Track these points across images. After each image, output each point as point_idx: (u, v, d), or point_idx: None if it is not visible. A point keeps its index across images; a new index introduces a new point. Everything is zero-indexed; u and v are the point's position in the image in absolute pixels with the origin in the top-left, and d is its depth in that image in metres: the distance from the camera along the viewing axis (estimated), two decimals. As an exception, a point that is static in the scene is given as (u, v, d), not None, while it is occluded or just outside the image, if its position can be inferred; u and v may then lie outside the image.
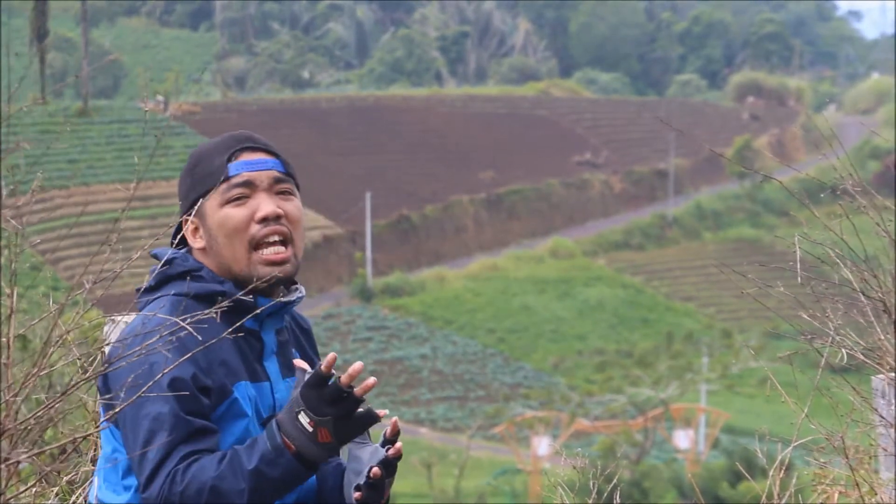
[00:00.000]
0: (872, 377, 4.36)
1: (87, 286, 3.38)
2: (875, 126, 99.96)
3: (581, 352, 73.87)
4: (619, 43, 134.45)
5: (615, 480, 4.36)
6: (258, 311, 3.29)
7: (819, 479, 4.40)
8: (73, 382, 3.24)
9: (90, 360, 3.55)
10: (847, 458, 4.22)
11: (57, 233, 59.56)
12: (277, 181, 3.38)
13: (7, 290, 3.41)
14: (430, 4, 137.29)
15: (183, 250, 3.38)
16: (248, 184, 3.36)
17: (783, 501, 4.23)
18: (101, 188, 75.23)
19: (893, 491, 4.23)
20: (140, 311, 3.35)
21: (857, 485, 4.26)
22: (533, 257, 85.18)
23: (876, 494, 4.27)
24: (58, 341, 3.37)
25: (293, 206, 3.40)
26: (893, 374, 4.27)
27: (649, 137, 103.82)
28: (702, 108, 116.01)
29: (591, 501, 4.32)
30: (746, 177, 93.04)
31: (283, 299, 3.34)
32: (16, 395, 3.16)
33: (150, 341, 3.16)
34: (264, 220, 3.32)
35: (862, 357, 4.28)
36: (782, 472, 4.21)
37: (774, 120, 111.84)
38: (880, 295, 4.28)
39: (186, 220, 3.37)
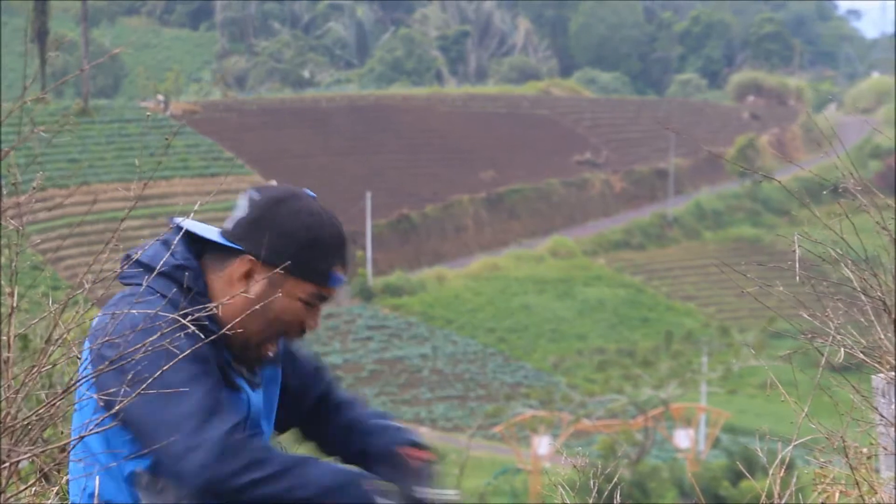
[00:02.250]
0: (873, 376, 4.36)
1: (87, 286, 3.38)
2: (875, 125, 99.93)
3: (581, 351, 73.88)
4: (620, 42, 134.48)
5: (616, 480, 4.36)
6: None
7: (819, 478, 4.41)
8: (73, 381, 3.24)
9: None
10: (847, 457, 4.23)
11: (58, 232, 59.63)
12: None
13: (8, 290, 3.41)
14: (431, 4, 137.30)
15: (194, 264, 3.32)
16: (324, 298, 3.38)
17: (784, 501, 4.23)
18: (101, 187, 75.27)
19: (894, 490, 4.23)
20: (124, 279, 3.33)
21: (858, 484, 4.27)
22: (533, 257, 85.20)
23: (876, 493, 4.27)
24: (58, 340, 3.37)
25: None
26: (893, 374, 4.27)
27: (649, 137, 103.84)
28: (702, 108, 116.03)
29: (591, 501, 4.32)
30: (747, 176, 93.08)
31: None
32: (16, 393, 3.17)
33: (153, 338, 3.14)
34: (303, 331, 3.38)
35: (862, 356, 4.28)
36: (783, 471, 4.21)
37: (774, 119, 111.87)
38: (881, 294, 4.28)
39: (249, 258, 3.30)
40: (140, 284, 3.27)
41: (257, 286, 3.30)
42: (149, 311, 3.18)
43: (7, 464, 3.04)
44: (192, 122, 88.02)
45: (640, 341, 74.39)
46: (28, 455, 3.03)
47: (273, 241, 3.29)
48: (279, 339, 3.35)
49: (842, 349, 4.25)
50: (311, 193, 3.41)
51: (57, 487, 3.87)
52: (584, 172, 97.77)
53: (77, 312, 3.45)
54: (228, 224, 3.35)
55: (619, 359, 71.56)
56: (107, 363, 3.16)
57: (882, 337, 4.24)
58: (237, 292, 3.30)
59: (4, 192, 3.42)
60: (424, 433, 61.16)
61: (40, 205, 3.64)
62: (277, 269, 3.28)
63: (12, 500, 3.44)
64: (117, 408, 3.12)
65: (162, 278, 3.29)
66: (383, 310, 75.51)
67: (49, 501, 3.84)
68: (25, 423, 3.22)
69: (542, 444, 49.08)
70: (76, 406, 3.25)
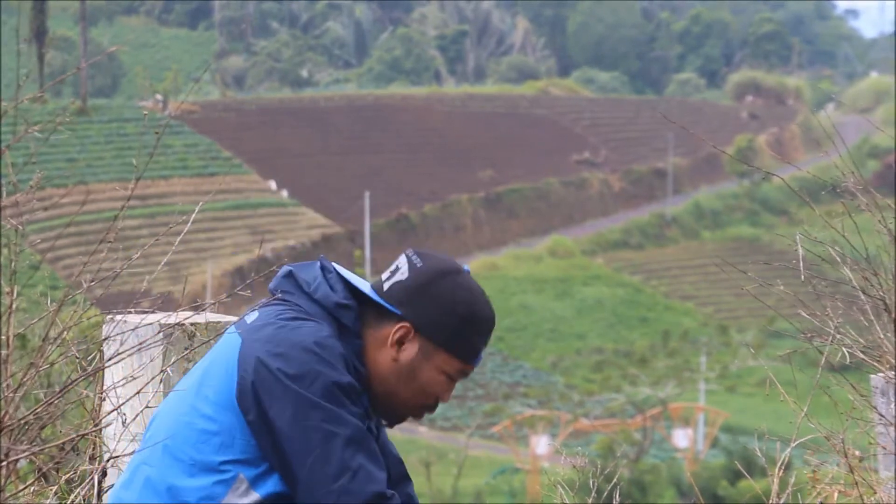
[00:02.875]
0: (872, 375, 4.36)
1: (86, 285, 3.37)
2: (875, 125, 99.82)
3: (580, 351, 73.91)
4: (618, 42, 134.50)
5: (615, 479, 4.36)
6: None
7: (814, 480, 4.40)
8: (73, 379, 3.24)
9: (89, 357, 3.55)
10: (846, 456, 4.23)
11: (56, 232, 59.66)
12: None
13: (7, 289, 3.41)
14: (429, 3, 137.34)
15: (354, 305, 3.34)
16: (465, 374, 3.42)
17: (782, 500, 4.23)
18: (99, 187, 75.25)
19: (893, 490, 4.23)
20: (275, 290, 3.36)
21: (857, 483, 4.26)
22: (532, 256, 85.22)
23: (875, 493, 4.27)
24: (56, 339, 3.36)
25: None
26: (893, 373, 4.27)
27: (648, 136, 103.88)
28: (700, 107, 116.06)
29: (590, 500, 4.32)
30: (745, 176, 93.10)
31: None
32: (14, 392, 3.16)
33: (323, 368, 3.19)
34: (437, 403, 3.42)
35: (861, 355, 4.28)
36: (781, 471, 4.21)
37: (773, 119, 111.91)
38: (880, 293, 4.28)
39: (408, 329, 3.34)
40: (292, 303, 3.31)
41: (408, 353, 3.35)
42: (321, 333, 3.22)
43: (5, 462, 3.04)
44: (191, 122, 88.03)
45: (638, 341, 74.42)
46: (27, 454, 3.02)
47: (433, 313, 3.33)
48: (419, 410, 3.40)
49: (841, 349, 4.25)
50: (467, 268, 3.44)
51: (56, 487, 3.86)
52: (582, 172, 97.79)
53: (75, 312, 3.44)
54: (386, 284, 3.38)
55: (617, 358, 71.60)
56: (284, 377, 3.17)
57: (881, 336, 4.24)
58: (389, 356, 3.35)
59: (4, 192, 3.42)
60: (423, 433, 61.26)
61: (38, 204, 3.64)
62: (432, 342, 3.34)
63: (10, 499, 3.44)
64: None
65: (319, 308, 3.32)
66: (382, 309, 75.42)
67: (48, 501, 3.83)
68: (23, 422, 3.22)
69: (541, 444, 49.10)
70: (193, 390, 3.24)
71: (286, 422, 3.15)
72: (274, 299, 3.36)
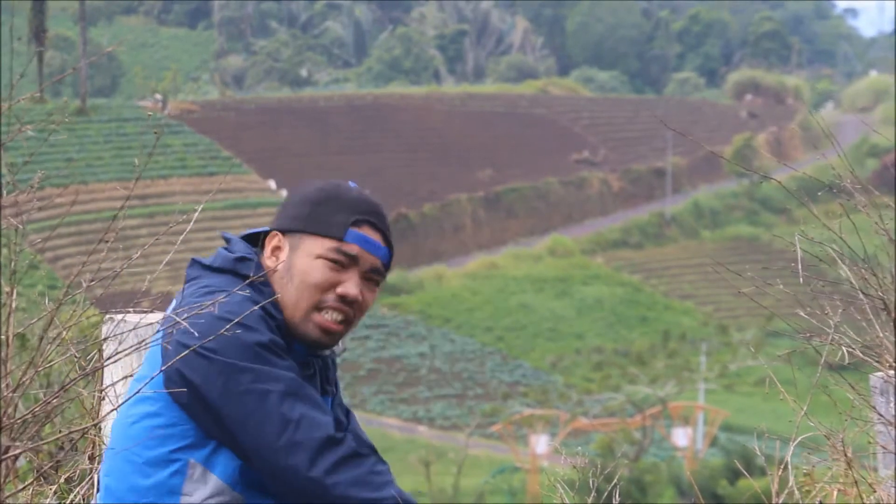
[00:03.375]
0: (871, 375, 4.37)
1: (85, 284, 3.37)
2: (873, 124, 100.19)
3: (579, 350, 73.93)
4: (617, 41, 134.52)
5: (615, 479, 4.37)
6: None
7: (814, 479, 4.41)
8: (72, 378, 3.24)
9: (88, 356, 3.55)
10: (845, 455, 4.23)
11: (56, 231, 59.57)
12: (374, 270, 3.34)
13: (7, 289, 3.41)
14: (428, 3, 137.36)
15: (254, 255, 3.34)
16: (353, 258, 3.30)
17: (782, 499, 4.24)
18: (99, 186, 75.27)
19: (892, 488, 4.23)
20: (188, 282, 3.35)
21: (856, 482, 4.27)
22: (531, 256, 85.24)
23: (874, 492, 4.28)
24: (55, 339, 3.36)
25: (371, 297, 3.37)
26: (892, 372, 4.28)
27: (647, 136, 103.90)
28: (700, 107, 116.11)
29: (590, 500, 4.32)
30: (744, 175, 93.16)
31: (320, 353, 3.36)
32: (14, 391, 3.17)
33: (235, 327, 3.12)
34: (342, 298, 3.29)
35: (861, 355, 4.28)
36: (781, 470, 4.21)
37: (772, 118, 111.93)
38: (879, 293, 4.28)
39: (276, 235, 3.33)
40: (198, 284, 3.29)
41: (282, 255, 3.30)
42: (231, 301, 3.17)
43: (5, 459, 3.04)
44: (190, 122, 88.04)
45: (637, 340, 74.43)
46: (26, 450, 3.02)
47: (291, 210, 3.34)
48: (321, 307, 3.27)
49: (840, 348, 4.25)
50: (352, 184, 3.43)
51: (55, 486, 3.86)
52: (581, 171, 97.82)
53: (74, 311, 3.45)
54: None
55: (616, 358, 71.61)
56: (188, 351, 3.11)
57: (881, 336, 4.24)
58: (267, 263, 3.31)
59: (4, 191, 3.42)
60: (423, 432, 61.29)
61: (38, 203, 3.64)
62: (295, 233, 3.30)
63: (10, 499, 3.44)
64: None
65: (224, 275, 3.30)
66: (381, 309, 75.54)
67: (47, 500, 3.84)
68: (22, 420, 3.22)
69: (541, 443, 49.12)
70: (132, 399, 3.23)
71: (218, 394, 3.11)
72: (182, 288, 3.34)
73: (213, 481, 3.18)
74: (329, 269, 3.28)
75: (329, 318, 3.27)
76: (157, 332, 3.28)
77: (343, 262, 3.29)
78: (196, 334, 3.11)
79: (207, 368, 3.12)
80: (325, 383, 3.41)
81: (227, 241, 3.41)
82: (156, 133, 3.78)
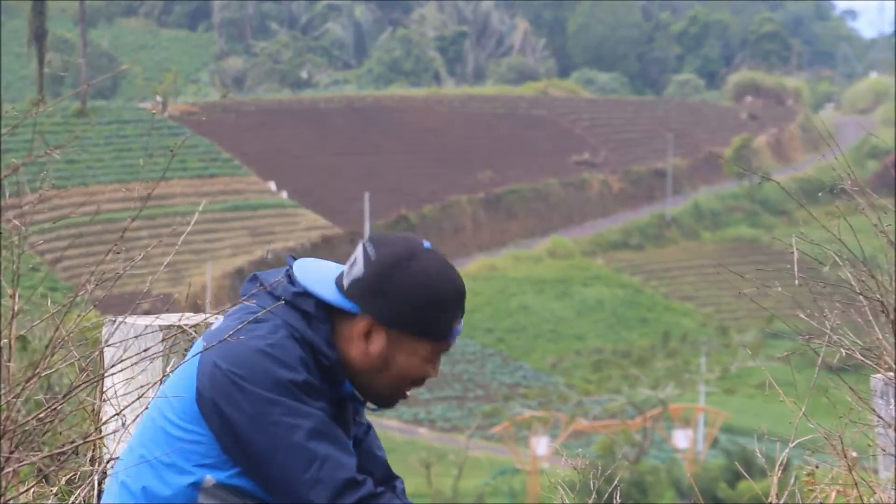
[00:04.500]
0: (871, 377, 4.37)
1: (89, 288, 3.38)
2: (874, 125, 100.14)
3: (579, 351, 73.91)
4: (617, 43, 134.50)
5: (616, 481, 4.37)
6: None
7: (814, 481, 4.41)
8: (74, 384, 3.24)
9: (90, 361, 3.56)
10: (845, 457, 4.23)
11: (56, 234, 59.63)
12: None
13: (9, 292, 3.41)
14: (429, 4, 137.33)
15: (316, 294, 3.34)
16: (446, 351, 3.42)
17: (782, 501, 4.24)
18: (99, 188, 75.27)
19: (892, 491, 4.24)
20: (242, 295, 3.39)
21: (856, 484, 4.27)
22: (531, 257, 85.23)
23: (874, 494, 4.28)
24: (58, 343, 3.37)
25: None
26: (892, 374, 4.28)
27: (647, 137, 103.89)
28: (700, 108, 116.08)
29: (590, 502, 4.33)
30: (745, 176, 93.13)
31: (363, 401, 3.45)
32: (17, 397, 3.17)
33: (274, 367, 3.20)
34: (423, 381, 3.43)
35: (860, 357, 4.29)
36: (781, 471, 4.22)
37: (772, 119, 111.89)
38: (878, 295, 4.28)
39: (367, 319, 3.32)
40: (255, 305, 3.33)
41: (377, 345, 3.34)
42: (275, 335, 3.23)
43: (7, 471, 3.05)
44: (190, 123, 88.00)
45: (638, 341, 74.41)
46: (33, 461, 3.03)
47: (392, 305, 3.32)
48: (405, 391, 3.42)
49: (840, 350, 4.26)
50: (428, 245, 3.40)
51: (56, 488, 3.87)
52: (582, 173, 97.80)
53: (78, 315, 3.45)
54: (346, 280, 3.37)
55: (617, 359, 71.58)
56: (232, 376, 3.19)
57: (880, 338, 4.24)
58: (359, 350, 3.35)
59: (7, 193, 3.43)
60: (423, 434, 61.27)
61: (42, 205, 3.65)
62: (398, 331, 3.33)
63: (11, 501, 3.45)
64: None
65: (282, 305, 3.32)
66: (382, 310, 75.44)
67: (49, 502, 3.84)
68: (25, 426, 3.23)
69: (541, 445, 49.11)
70: (163, 400, 3.27)
71: (247, 422, 3.17)
72: (239, 303, 3.38)
73: (225, 497, 3.23)
74: (426, 364, 3.40)
75: (408, 393, 3.45)
76: (199, 341, 3.33)
77: (438, 358, 3.41)
78: (234, 360, 3.19)
79: (241, 397, 3.18)
80: (357, 414, 3.50)
81: (289, 270, 3.42)
82: (171, 151, 3.79)
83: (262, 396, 3.17)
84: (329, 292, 3.36)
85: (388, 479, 3.59)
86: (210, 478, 3.22)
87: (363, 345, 3.34)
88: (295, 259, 3.43)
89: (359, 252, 3.37)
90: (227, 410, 3.19)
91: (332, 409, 3.32)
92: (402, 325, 3.32)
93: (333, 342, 3.33)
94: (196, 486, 3.22)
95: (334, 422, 3.33)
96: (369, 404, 3.44)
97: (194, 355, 3.31)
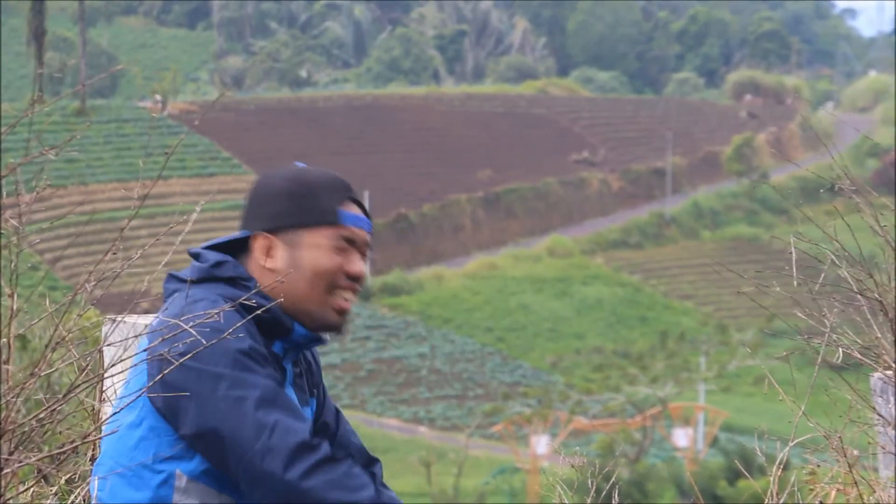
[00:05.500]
0: (871, 375, 4.37)
1: (89, 287, 3.39)
2: (873, 123, 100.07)
3: (579, 350, 73.90)
4: (617, 41, 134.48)
5: (614, 479, 4.37)
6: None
7: (815, 480, 4.41)
8: (74, 384, 3.24)
9: (89, 360, 3.56)
10: (845, 456, 4.23)
11: (55, 233, 59.57)
12: (366, 244, 3.41)
13: (8, 291, 3.41)
14: (428, 3, 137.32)
15: (229, 258, 3.36)
16: (351, 240, 3.37)
17: (782, 500, 4.24)
18: (98, 187, 75.25)
19: (892, 489, 4.24)
20: (167, 297, 3.37)
21: (856, 483, 4.27)
22: (531, 256, 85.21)
23: (874, 492, 4.28)
24: (58, 342, 3.37)
25: (366, 269, 3.46)
26: (891, 373, 4.28)
27: (647, 136, 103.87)
28: (699, 107, 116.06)
29: (590, 500, 4.33)
30: (744, 175, 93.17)
31: (320, 337, 3.38)
32: (16, 396, 3.17)
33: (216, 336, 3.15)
34: (351, 277, 3.36)
35: (859, 355, 4.29)
36: (780, 470, 4.22)
37: (772, 118, 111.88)
38: (877, 295, 4.28)
39: (260, 234, 3.35)
40: (179, 296, 3.31)
41: (279, 255, 3.34)
42: (211, 309, 3.19)
43: (6, 471, 3.05)
44: (189, 122, 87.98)
45: (637, 340, 74.40)
46: (33, 461, 3.03)
47: (269, 209, 3.36)
48: (334, 291, 3.35)
49: (839, 348, 4.26)
50: (299, 164, 3.47)
51: (55, 488, 3.87)
52: (581, 171, 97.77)
53: (77, 315, 3.45)
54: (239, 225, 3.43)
55: (616, 358, 71.58)
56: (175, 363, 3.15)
57: (879, 336, 4.24)
58: (267, 269, 3.33)
59: (4, 192, 3.43)
60: (423, 433, 61.25)
61: (41, 204, 3.65)
62: (288, 231, 3.33)
63: (11, 500, 3.44)
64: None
65: (203, 284, 3.33)
66: (381, 309, 75.53)
67: (48, 501, 3.84)
68: (24, 427, 3.23)
69: (541, 444, 49.10)
70: (120, 406, 3.26)
71: (194, 402, 3.14)
72: (164, 304, 3.37)
73: (202, 489, 3.20)
74: (335, 254, 3.33)
75: (342, 298, 3.35)
76: (143, 345, 3.30)
77: (345, 246, 3.35)
78: (175, 343, 3.15)
79: (186, 377, 3.15)
80: (311, 386, 3.45)
81: (195, 255, 3.43)
82: (166, 152, 3.81)
83: (207, 372, 3.14)
84: (218, 240, 3.40)
85: (368, 465, 3.56)
86: (180, 472, 3.19)
87: (269, 263, 3.34)
88: (192, 251, 3.42)
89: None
90: (175, 391, 3.16)
91: (284, 372, 3.29)
92: (286, 222, 3.33)
93: (266, 296, 3.28)
94: (168, 483, 3.19)
95: (291, 384, 3.32)
96: (326, 337, 3.38)
97: (138, 351, 3.28)
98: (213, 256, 3.36)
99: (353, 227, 3.36)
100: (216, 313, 3.19)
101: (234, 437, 3.13)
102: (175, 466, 3.19)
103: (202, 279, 3.33)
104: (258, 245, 3.35)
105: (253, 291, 3.24)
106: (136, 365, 3.28)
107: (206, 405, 3.14)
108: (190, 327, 3.15)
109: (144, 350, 3.25)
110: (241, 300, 3.22)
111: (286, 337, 3.32)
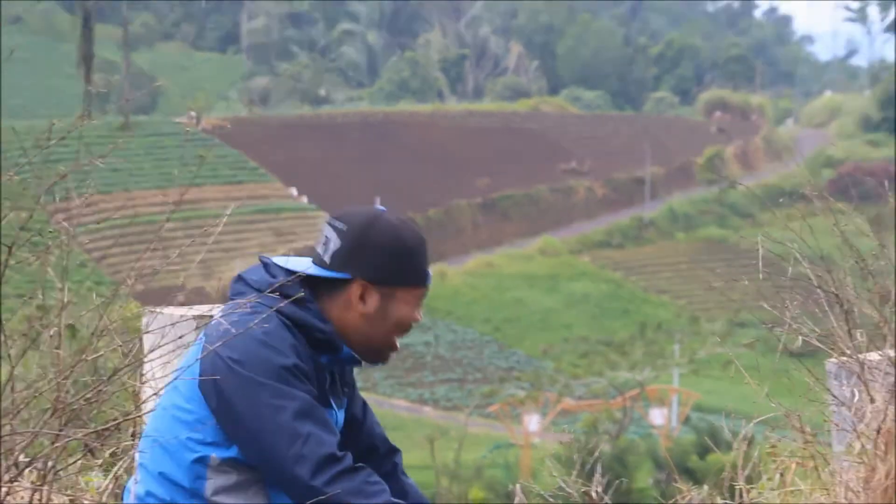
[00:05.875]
0: (827, 361, 4.37)
1: (131, 283, 3.40)
2: (829, 138, 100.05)
3: (567, 339, 73.87)
4: (601, 64, 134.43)
5: (597, 454, 4.37)
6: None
7: (776, 453, 4.41)
8: (117, 368, 3.25)
9: (131, 347, 3.56)
10: (803, 433, 4.24)
11: (101, 234, 59.53)
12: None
13: (59, 285, 3.42)
14: (433, 30, 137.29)
15: (297, 278, 3.38)
16: (425, 295, 3.50)
17: (746, 472, 4.24)
18: (140, 193, 75.26)
19: (845, 462, 4.24)
20: (232, 296, 3.40)
21: (813, 457, 4.27)
22: (524, 255, 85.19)
23: (829, 465, 4.28)
24: (103, 331, 3.38)
25: None
26: (845, 358, 4.28)
27: (628, 148, 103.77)
28: (674, 122, 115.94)
29: (575, 472, 4.32)
30: (714, 183, 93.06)
31: (360, 360, 3.48)
32: (66, 379, 3.18)
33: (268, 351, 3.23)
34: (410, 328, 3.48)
35: (817, 343, 4.29)
36: (745, 445, 4.22)
37: (739, 132, 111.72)
38: (833, 289, 4.28)
39: (358, 281, 3.39)
40: (244, 301, 3.35)
41: (372, 303, 3.39)
42: (267, 325, 3.25)
43: (60, 443, 3.05)
44: (221, 136, 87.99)
45: (619, 330, 74.35)
46: (83, 435, 3.03)
47: (375, 262, 3.39)
48: (397, 340, 3.47)
49: (799, 337, 4.26)
50: (382, 208, 3.48)
51: (101, 460, 3.87)
52: (569, 180, 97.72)
53: (120, 307, 3.46)
54: (326, 256, 3.41)
55: (600, 346, 71.55)
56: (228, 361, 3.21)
57: (835, 326, 4.24)
58: (358, 311, 3.39)
59: (56, 198, 3.44)
60: (428, 412, 61.18)
61: (86, 209, 3.65)
62: (387, 285, 3.40)
63: (61, 472, 3.45)
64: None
65: (268, 296, 3.35)
66: (391, 302, 75.32)
67: (94, 472, 3.85)
68: (73, 406, 3.24)
69: (532, 422, 49.08)
70: (171, 389, 3.29)
71: (240, 403, 3.18)
72: (230, 301, 3.40)
73: (232, 467, 3.23)
74: (414, 310, 3.46)
75: (397, 340, 3.48)
76: (202, 335, 3.33)
77: (421, 301, 3.49)
78: (232, 348, 3.22)
79: (236, 381, 3.20)
80: (343, 385, 3.49)
81: (266, 265, 3.44)
82: (199, 155, 3.82)
83: (254, 380, 3.18)
84: (315, 270, 3.39)
85: (390, 452, 3.59)
86: (215, 456, 3.22)
87: (361, 306, 3.38)
88: (264, 260, 3.44)
89: (327, 230, 3.41)
90: (224, 391, 3.20)
91: (323, 380, 3.34)
92: (389, 279, 3.38)
93: (324, 317, 3.34)
94: (203, 462, 3.22)
95: (329, 389, 3.36)
96: (366, 364, 3.47)
97: (196, 346, 3.32)
98: (280, 278, 3.37)
99: (427, 285, 3.49)
100: (266, 325, 3.24)
101: (271, 441, 3.18)
102: (212, 451, 3.23)
103: (269, 291, 3.35)
104: (355, 289, 3.40)
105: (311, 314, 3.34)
106: (189, 366, 3.30)
107: (250, 409, 3.18)
108: (243, 335, 3.21)
109: (200, 345, 3.29)
110: (297, 319, 3.29)
111: (334, 355, 3.38)
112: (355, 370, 3.54)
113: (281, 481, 3.18)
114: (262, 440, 3.16)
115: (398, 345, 3.46)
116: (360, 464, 3.27)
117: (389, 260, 3.37)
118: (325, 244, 3.39)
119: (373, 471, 3.30)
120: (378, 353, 3.43)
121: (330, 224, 3.40)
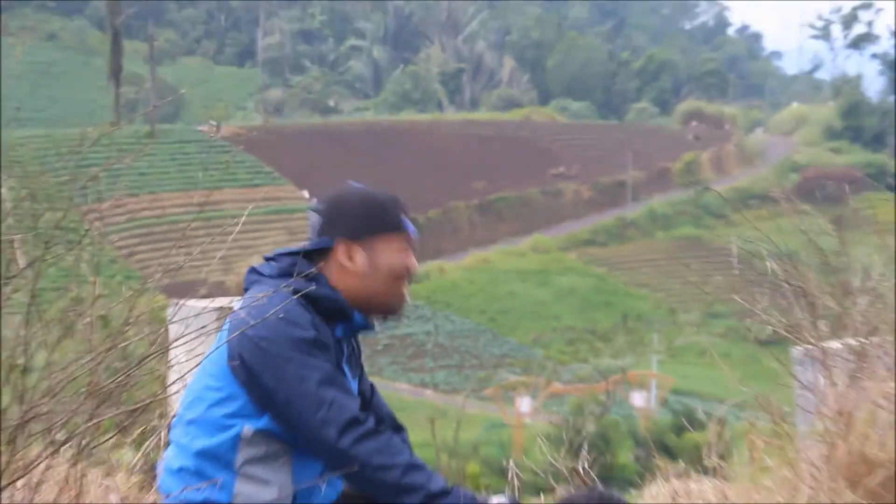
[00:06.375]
0: (792, 349, 4.38)
1: (158, 277, 3.41)
2: (795, 145, 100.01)
3: (556, 329, 73.87)
4: (588, 77, 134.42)
5: (583, 432, 4.38)
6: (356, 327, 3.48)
7: (754, 429, 4.42)
8: (145, 355, 3.26)
9: (157, 336, 3.57)
10: (771, 414, 4.25)
11: (130, 232, 59.47)
12: (416, 246, 3.53)
13: (92, 279, 3.43)
14: (434, 46, 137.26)
15: (301, 259, 3.41)
16: (409, 242, 3.46)
17: (718, 450, 4.25)
18: (165, 195, 75.21)
19: (808, 441, 4.25)
20: (248, 287, 3.42)
21: (779, 436, 4.28)
22: (517, 252, 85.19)
23: (794, 443, 4.29)
24: (132, 321, 3.39)
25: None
26: (809, 346, 4.29)
27: (611, 154, 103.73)
28: (655, 131, 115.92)
29: (563, 449, 4.33)
30: (691, 186, 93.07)
31: (375, 325, 3.50)
32: (99, 364, 3.19)
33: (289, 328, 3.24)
34: (411, 273, 3.47)
35: (784, 332, 4.30)
36: (718, 425, 4.22)
37: (713, 140, 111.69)
38: (799, 283, 4.29)
39: (341, 241, 3.40)
40: (263, 286, 3.38)
41: (360, 258, 3.40)
42: (287, 305, 3.25)
43: (95, 422, 3.07)
44: (238, 143, 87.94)
45: (603, 321, 74.36)
46: (108, 417, 3.04)
47: (349, 220, 3.41)
48: (401, 288, 3.44)
49: (767, 327, 4.26)
50: (354, 183, 3.50)
51: (132, 438, 3.88)
52: (558, 183, 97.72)
53: (148, 299, 3.47)
54: (312, 235, 3.46)
55: (586, 335, 71.56)
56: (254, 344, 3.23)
57: (800, 317, 4.25)
58: (351, 272, 3.40)
59: (89, 199, 3.44)
60: (429, 395, 61.15)
61: (116, 210, 3.66)
62: (367, 238, 3.40)
63: (95, 449, 3.45)
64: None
65: (279, 279, 3.38)
66: (395, 295, 75.25)
67: (125, 449, 3.86)
68: (106, 388, 3.25)
69: (524, 404, 49.08)
70: (200, 371, 3.31)
71: (269, 376, 3.19)
72: (247, 291, 3.43)
73: (264, 437, 3.24)
74: (402, 255, 3.42)
75: (406, 290, 3.47)
76: (227, 322, 3.36)
77: (406, 247, 3.44)
78: (257, 327, 3.23)
79: (264, 356, 3.22)
80: (358, 357, 3.54)
81: (270, 258, 3.47)
82: (225, 161, 3.85)
83: (280, 354, 3.20)
84: (303, 246, 3.45)
85: (396, 429, 3.60)
86: (248, 428, 3.23)
87: (351, 265, 3.39)
88: (267, 256, 3.47)
89: (310, 216, 3.47)
90: (253, 366, 3.21)
91: (340, 353, 3.35)
92: (366, 231, 3.40)
93: (332, 287, 3.36)
94: (236, 434, 3.23)
95: (346, 360, 3.38)
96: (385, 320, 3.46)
97: (223, 330, 3.36)
98: (286, 263, 3.40)
99: (412, 236, 3.47)
100: (285, 304, 3.25)
101: (299, 408, 3.19)
102: (244, 423, 3.24)
103: (280, 275, 3.38)
104: (340, 250, 3.40)
105: (318, 286, 3.32)
106: (216, 348, 3.32)
107: (279, 382, 3.19)
108: (265, 316, 3.21)
109: (226, 332, 3.32)
110: (301, 292, 3.28)
111: (347, 323, 3.37)
112: (361, 359, 3.55)
113: (311, 444, 3.19)
114: (291, 408, 3.17)
115: (406, 295, 3.42)
116: (383, 425, 3.29)
117: (361, 213, 3.38)
118: (312, 228, 3.44)
119: (398, 426, 3.34)
120: (387, 306, 3.41)
121: (310, 210, 3.46)
